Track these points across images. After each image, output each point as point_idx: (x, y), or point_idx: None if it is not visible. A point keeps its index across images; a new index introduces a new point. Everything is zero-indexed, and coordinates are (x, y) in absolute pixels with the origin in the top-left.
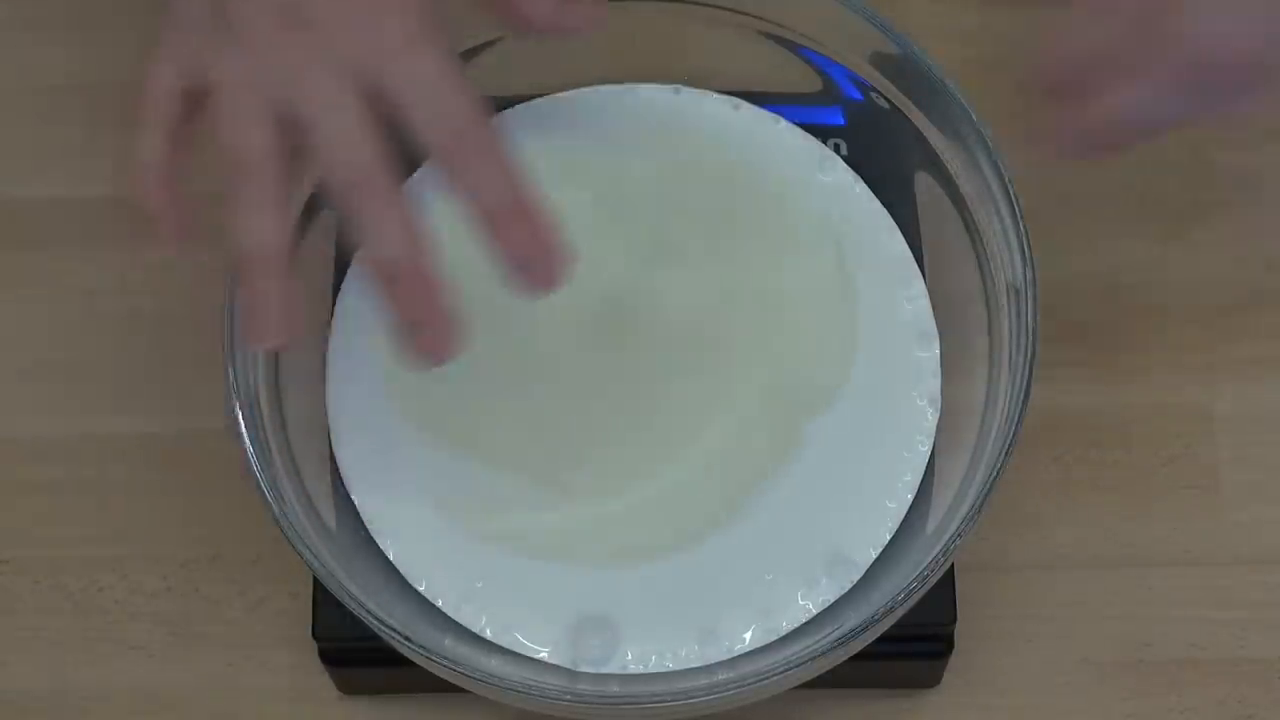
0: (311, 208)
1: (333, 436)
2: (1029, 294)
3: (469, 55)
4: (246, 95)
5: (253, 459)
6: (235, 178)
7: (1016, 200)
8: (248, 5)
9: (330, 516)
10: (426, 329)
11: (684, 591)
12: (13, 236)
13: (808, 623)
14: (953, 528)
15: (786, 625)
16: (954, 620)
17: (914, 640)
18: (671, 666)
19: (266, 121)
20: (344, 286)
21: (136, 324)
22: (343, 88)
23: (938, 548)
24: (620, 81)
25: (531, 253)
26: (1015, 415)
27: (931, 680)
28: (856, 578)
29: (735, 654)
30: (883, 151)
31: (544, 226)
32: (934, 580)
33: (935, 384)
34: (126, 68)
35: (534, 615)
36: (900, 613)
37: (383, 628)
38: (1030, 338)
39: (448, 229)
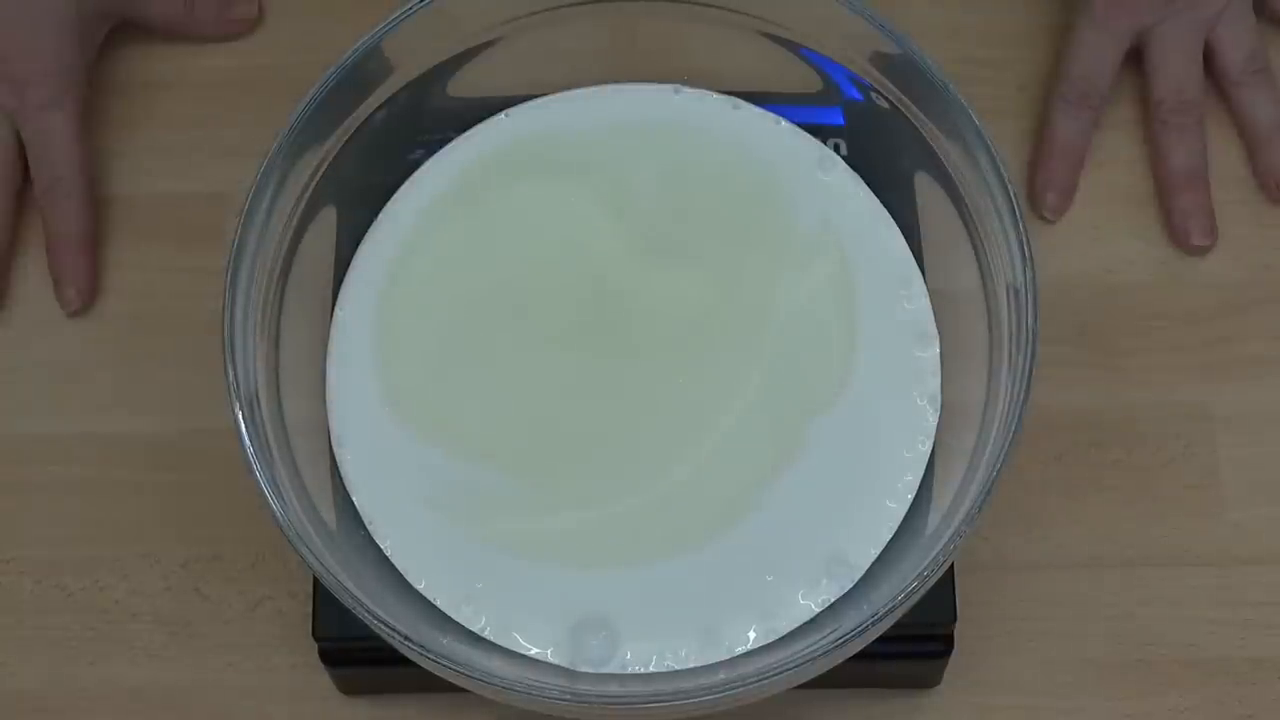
0: (312, 207)
1: (333, 436)
2: (1029, 294)
3: (469, 55)
4: None
5: (253, 459)
6: None
7: (1016, 200)
8: None
9: (330, 516)
10: None
11: (684, 591)
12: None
13: (808, 623)
14: (953, 528)
15: (786, 625)
16: (954, 620)
17: (914, 640)
18: (671, 666)
19: None
20: (344, 287)
21: (136, 324)
22: None
23: (938, 548)
24: (620, 81)
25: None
26: (1015, 415)
27: (931, 680)
28: (856, 578)
29: (735, 654)
30: (883, 151)
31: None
32: (934, 580)
33: (935, 384)
34: (124, 70)
35: (534, 615)
36: (900, 613)
37: (383, 628)
38: (1030, 338)
39: (452, 230)
